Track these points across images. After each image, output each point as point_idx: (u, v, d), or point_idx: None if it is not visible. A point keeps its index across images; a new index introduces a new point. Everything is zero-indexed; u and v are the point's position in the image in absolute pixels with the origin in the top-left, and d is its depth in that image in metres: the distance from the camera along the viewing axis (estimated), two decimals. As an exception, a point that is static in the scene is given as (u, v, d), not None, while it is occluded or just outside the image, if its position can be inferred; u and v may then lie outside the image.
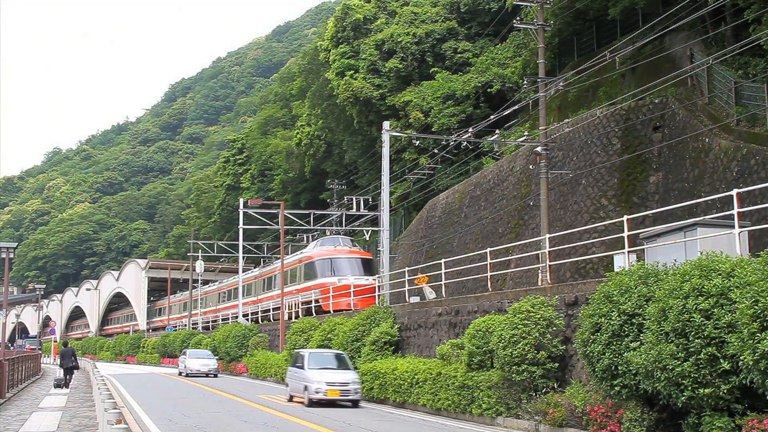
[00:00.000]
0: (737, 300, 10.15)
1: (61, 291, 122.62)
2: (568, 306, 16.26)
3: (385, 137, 28.09)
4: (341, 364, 22.89)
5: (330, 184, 58.50)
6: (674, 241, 14.59)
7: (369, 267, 37.32)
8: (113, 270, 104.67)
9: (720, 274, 10.78)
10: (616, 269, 15.33)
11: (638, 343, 11.87)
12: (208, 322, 63.40)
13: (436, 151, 34.24)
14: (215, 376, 39.19)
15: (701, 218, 15.93)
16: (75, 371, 32.17)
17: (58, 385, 29.76)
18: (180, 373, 40.62)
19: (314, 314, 35.97)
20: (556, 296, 16.61)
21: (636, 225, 21.85)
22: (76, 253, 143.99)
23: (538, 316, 16.00)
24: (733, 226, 13.09)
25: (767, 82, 23.46)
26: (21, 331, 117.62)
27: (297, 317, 37.97)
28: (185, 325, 65.96)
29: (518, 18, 33.38)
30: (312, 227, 50.98)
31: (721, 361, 10.30)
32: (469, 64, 45.42)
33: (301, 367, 22.60)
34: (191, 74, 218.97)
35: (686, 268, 11.35)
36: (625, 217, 15.87)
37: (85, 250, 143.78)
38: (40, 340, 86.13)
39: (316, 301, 37.19)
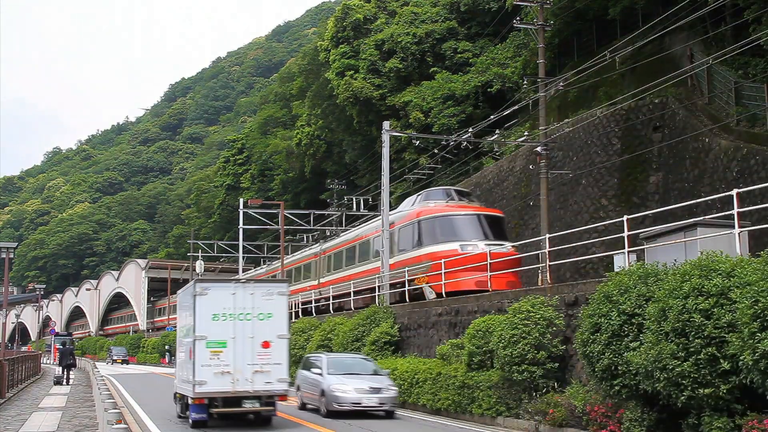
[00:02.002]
0: (737, 300, 10.14)
1: (61, 291, 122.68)
2: (568, 306, 16.26)
3: (385, 137, 28.07)
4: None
5: (330, 184, 58.46)
6: (674, 241, 14.58)
7: (502, 229, 26.02)
8: (113, 270, 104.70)
9: (720, 274, 10.77)
10: (616, 269, 15.31)
11: (638, 343, 11.87)
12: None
13: (436, 151, 34.20)
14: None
15: (701, 218, 15.92)
16: (73, 369, 34.89)
17: (57, 382, 32.14)
18: None
19: (407, 300, 25.66)
20: (556, 296, 16.61)
21: (636, 225, 21.83)
22: (76, 253, 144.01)
23: (538, 316, 15.99)
24: (733, 226, 13.08)
25: (767, 82, 23.46)
26: (21, 331, 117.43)
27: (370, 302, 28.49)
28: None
29: (518, 18, 33.33)
30: (312, 227, 50.95)
31: (721, 361, 10.29)
32: (469, 64, 45.42)
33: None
34: (191, 74, 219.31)
35: (686, 268, 11.35)
36: (625, 217, 15.86)
37: (85, 250, 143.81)
38: (72, 338, 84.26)
39: (411, 282, 25.47)
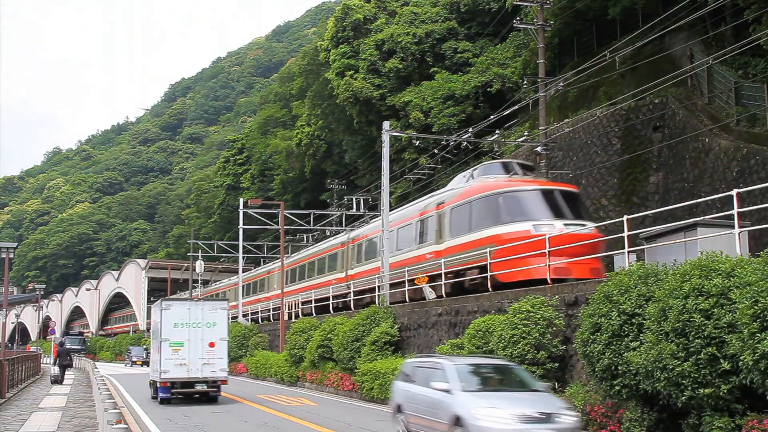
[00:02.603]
0: (737, 300, 10.14)
1: (61, 291, 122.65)
2: (568, 306, 16.26)
3: (385, 137, 28.06)
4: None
5: (330, 184, 58.52)
6: (674, 241, 14.58)
7: (579, 207, 22.02)
8: (113, 270, 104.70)
9: (720, 274, 10.77)
10: (616, 269, 15.32)
11: (638, 343, 11.87)
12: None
13: (436, 151, 34.21)
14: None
15: (701, 218, 15.92)
16: (69, 369, 36.69)
17: (54, 381, 33.32)
18: None
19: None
20: (556, 296, 16.61)
21: (636, 225, 21.84)
22: (76, 253, 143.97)
23: (538, 316, 16.00)
24: (733, 226, 13.08)
25: (767, 82, 23.46)
26: (21, 331, 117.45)
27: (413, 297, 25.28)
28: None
29: (518, 18, 33.36)
30: (312, 227, 50.95)
31: (721, 361, 10.29)
32: (469, 64, 45.41)
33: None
34: (191, 74, 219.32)
35: (686, 268, 11.34)
36: (625, 217, 15.85)
37: (85, 250, 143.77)
38: (83, 338, 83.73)
39: (480, 269, 21.33)
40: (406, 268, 25.60)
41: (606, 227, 22.40)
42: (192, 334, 22.83)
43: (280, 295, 39.64)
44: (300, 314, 38.30)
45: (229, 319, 24.61)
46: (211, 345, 22.97)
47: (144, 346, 59.22)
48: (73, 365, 42.37)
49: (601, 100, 31.05)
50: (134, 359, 59.68)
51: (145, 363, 53.08)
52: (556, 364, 15.90)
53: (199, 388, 22.86)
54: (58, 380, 33.49)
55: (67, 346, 55.95)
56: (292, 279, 43.22)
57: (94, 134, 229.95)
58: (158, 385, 22.82)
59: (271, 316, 45.06)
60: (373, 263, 30.58)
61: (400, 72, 47.27)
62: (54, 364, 35.42)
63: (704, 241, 13.54)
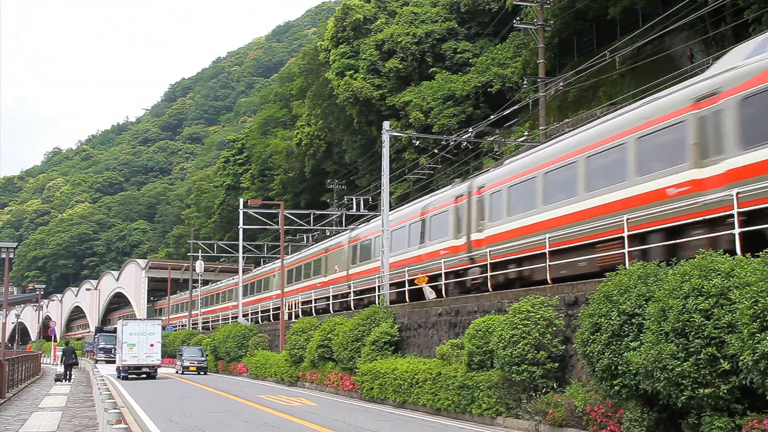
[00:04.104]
0: (737, 300, 10.14)
1: (61, 291, 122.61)
2: (568, 306, 16.26)
3: (385, 137, 28.05)
4: None
5: (330, 184, 58.55)
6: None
7: None
8: (113, 270, 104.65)
9: (720, 274, 10.77)
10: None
11: (638, 343, 11.86)
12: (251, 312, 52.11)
13: (436, 151, 34.23)
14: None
15: (701, 218, 15.86)
16: (75, 367, 38.98)
17: (58, 379, 35.13)
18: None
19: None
20: (556, 296, 16.60)
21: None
22: (76, 253, 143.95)
23: (538, 316, 15.99)
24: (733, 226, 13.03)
25: (767, 82, 23.37)
26: (21, 331, 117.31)
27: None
28: (195, 324, 65.51)
29: (518, 18, 33.39)
30: (312, 227, 50.95)
31: (721, 361, 10.29)
32: (469, 64, 45.41)
33: None
34: (191, 74, 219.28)
35: (686, 268, 11.34)
36: (624, 217, 15.82)
37: (85, 250, 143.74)
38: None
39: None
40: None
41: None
42: (140, 339, 37.88)
43: (281, 295, 39.62)
44: (301, 313, 38.27)
45: (161, 330, 40.16)
46: (152, 345, 38.07)
47: (199, 347, 47.07)
48: (78, 364, 43.81)
49: (601, 100, 31.05)
50: (187, 363, 43.64)
51: (202, 369, 43.15)
52: (556, 364, 15.89)
53: (144, 370, 37.91)
54: (61, 378, 35.13)
55: (101, 345, 57.10)
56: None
57: (94, 134, 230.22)
58: (120, 368, 37.95)
59: (271, 316, 45.07)
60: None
61: (400, 72, 47.27)
62: (60, 363, 38.67)
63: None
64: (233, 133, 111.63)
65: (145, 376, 37.67)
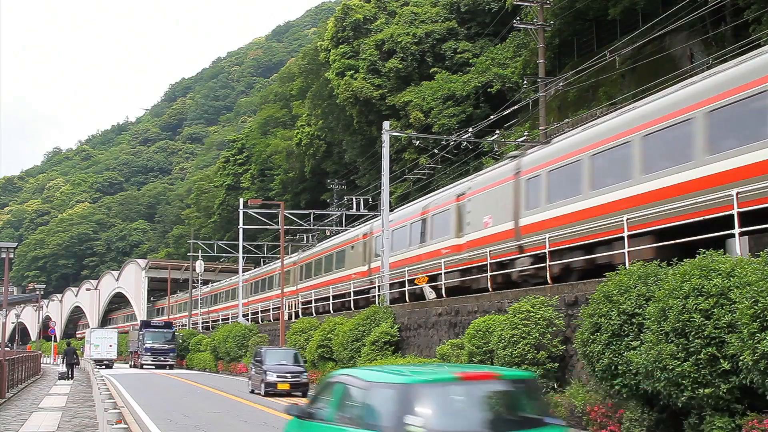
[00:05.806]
0: (737, 300, 10.15)
1: (61, 291, 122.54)
2: (568, 306, 16.26)
3: (385, 137, 28.05)
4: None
5: (330, 184, 58.55)
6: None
7: None
8: (113, 270, 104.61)
9: (720, 274, 10.77)
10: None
11: (638, 342, 11.87)
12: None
13: (436, 151, 34.22)
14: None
15: (701, 218, 15.87)
16: (76, 366, 39.65)
17: (62, 378, 36.77)
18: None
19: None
20: (556, 296, 16.61)
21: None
22: (76, 253, 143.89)
23: (538, 316, 15.99)
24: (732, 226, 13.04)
25: (767, 82, 23.37)
26: (21, 331, 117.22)
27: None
28: (195, 324, 65.45)
29: (518, 18, 33.38)
30: (312, 227, 50.94)
31: (721, 361, 10.29)
32: (469, 64, 45.42)
33: None
34: (191, 74, 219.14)
35: (686, 268, 11.34)
36: (624, 217, 15.82)
37: (85, 250, 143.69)
38: (173, 330, 54.62)
39: None
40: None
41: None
42: (102, 342, 56.34)
43: (285, 294, 39.60)
44: (312, 311, 38.22)
45: (117, 335, 59.51)
46: (110, 346, 56.57)
47: (294, 350, 28.98)
48: (80, 363, 44.75)
49: (601, 100, 31.05)
50: (273, 378, 25.52)
51: (299, 387, 25.28)
52: (556, 364, 15.90)
53: (105, 362, 53.37)
54: (65, 377, 36.75)
55: (147, 344, 51.91)
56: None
57: (94, 134, 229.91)
58: (92, 361, 44.38)
59: (271, 315, 45.08)
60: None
61: (400, 72, 47.27)
62: (62, 362, 39.88)
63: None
64: (233, 133, 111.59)
65: (105, 365, 52.42)
